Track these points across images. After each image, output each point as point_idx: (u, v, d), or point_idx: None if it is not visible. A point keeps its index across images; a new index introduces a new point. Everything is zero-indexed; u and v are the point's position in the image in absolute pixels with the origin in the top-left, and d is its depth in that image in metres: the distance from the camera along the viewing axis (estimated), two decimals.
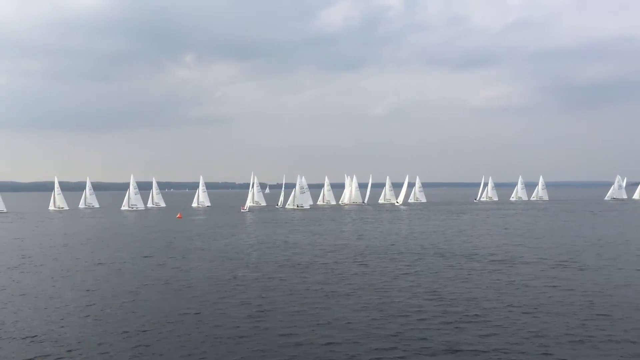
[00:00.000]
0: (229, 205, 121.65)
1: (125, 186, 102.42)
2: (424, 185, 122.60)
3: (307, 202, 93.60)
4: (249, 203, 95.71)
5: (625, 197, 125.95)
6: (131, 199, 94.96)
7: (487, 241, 41.38)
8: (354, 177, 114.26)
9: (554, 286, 23.08)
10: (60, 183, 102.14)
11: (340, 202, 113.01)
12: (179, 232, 52.60)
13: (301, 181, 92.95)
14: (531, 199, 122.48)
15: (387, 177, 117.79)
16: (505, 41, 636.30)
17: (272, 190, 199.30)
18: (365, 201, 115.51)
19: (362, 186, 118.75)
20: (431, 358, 14.18)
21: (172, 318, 18.25)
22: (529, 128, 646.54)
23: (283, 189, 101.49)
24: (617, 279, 24.58)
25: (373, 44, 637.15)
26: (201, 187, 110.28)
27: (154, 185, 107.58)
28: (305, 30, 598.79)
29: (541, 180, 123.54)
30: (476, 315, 18.25)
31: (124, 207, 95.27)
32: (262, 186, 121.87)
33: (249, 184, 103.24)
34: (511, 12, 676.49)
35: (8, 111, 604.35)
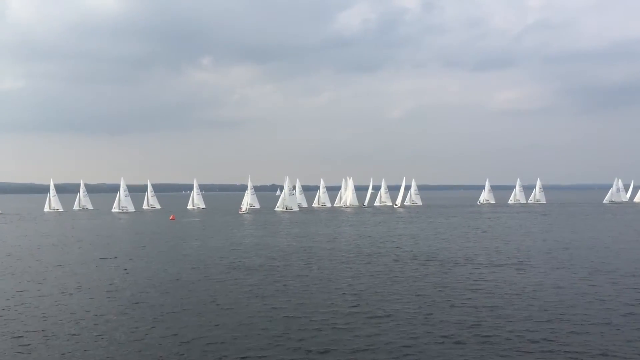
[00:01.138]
0: (225, 207, 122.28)
1: (143, 188, 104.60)
2: (441, 187, 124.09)
3: (295, 205, 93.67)
4: (246, 205, 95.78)
5: (625, 199, 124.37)
6: (121, 201, 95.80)
7: (448, 244, 41.22)
8: (350, 179, 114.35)
9: (475, 288, 23.05)
10: (77, 185, 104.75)
11: (335, 205, 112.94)
12: (159, 234, 53.08)
13: (289, 183, 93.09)
14: (528, 201, 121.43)
15: (383, 179, 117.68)
16: (524, 43, 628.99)
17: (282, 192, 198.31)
18: (365, 203, 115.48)
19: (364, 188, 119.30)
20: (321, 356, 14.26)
21: (75, 317, 18.55)
22: (547, 130, 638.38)
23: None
24: (548, 281, 24.38)
25: (390, 47, 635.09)
26: (195, 190, 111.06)
27: (149, 187, 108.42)
28: (323, 32, 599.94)
29: (538, 183, 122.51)
30: (371, 313, 18.32)
31: (115, 209, 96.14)
32: (273, 188, 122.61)
33: (264, 186, 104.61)
34: (530, 14, 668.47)
35: (27, 114, 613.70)
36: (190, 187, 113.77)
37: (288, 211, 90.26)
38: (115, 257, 35.05)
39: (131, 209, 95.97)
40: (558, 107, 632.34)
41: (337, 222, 68.93)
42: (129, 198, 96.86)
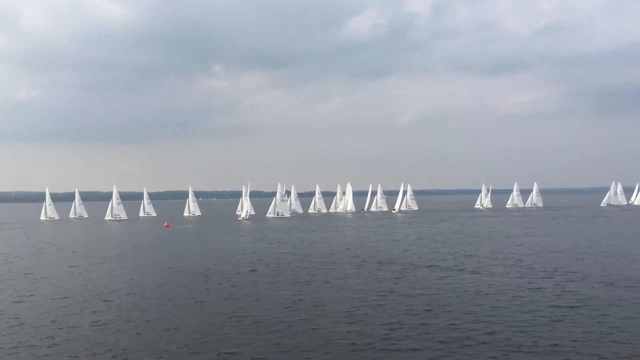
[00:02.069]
0: (221, 214, 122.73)
1: (160, 195, 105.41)
2: (451, 192, 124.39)
3: (287, 211, 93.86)
4: (246, 211, 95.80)
5: (625, 202, 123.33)
6: (114, 209, 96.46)
7: (422, 248, 41.09)
8: (348, 185, 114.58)
9: (421, 293, 23.01)
10: (91, 193, 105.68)
11: (330, 211, 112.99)
12: (142, 242, 53.38)
13: (282, 189, 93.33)
14: (525, 205, 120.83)
15: (379, 185, 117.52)
16: (536, 46, 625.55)
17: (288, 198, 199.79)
18: (365, 209, 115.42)
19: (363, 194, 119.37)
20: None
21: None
22: (560, 133, 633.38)
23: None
24: (492, 285, 24.26)
25: (401, 52, 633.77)
26: (191, 197, 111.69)
27: (145, 195, 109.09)
28: (333, 38, 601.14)
29: (535, 187, 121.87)
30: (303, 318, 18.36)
31: (107, 217, 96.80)
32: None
33: (273, 193, 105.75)
34: (542, 17, 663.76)
35: (42, 123, 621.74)
36: (217, 194, 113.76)
37: (279, 217, 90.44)
38: (86, 265, 35.28)
39: (124, 216, 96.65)
40: (571, 110, 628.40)
41: (325, 228, 68.90)
42: (121, 206, 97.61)
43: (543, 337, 16.14)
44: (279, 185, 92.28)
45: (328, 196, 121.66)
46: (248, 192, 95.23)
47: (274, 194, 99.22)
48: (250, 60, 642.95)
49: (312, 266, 32.58)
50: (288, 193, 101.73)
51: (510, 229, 61.25)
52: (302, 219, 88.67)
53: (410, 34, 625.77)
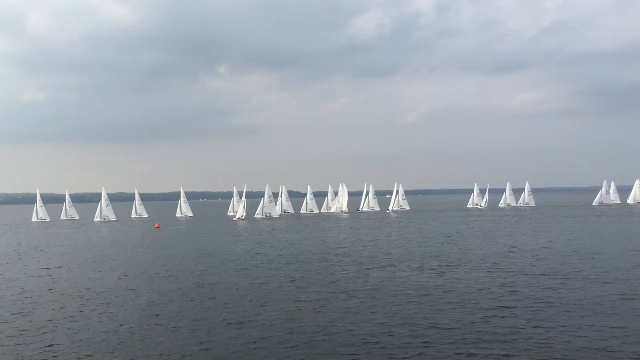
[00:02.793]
0: (213, 215, 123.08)
1: (163, 196, 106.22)
2: (457, 191, 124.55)
3: (275, 211, 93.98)
4: (241, 212, 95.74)
5: (618, 201, 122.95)
6: (103, 210, 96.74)
7: (395, 248, 41.20)
8: (341, 185, 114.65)
9: (372, 289, 23.17)
10: (97, 195, 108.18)
11: (322, 211, 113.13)
12: (122, 244, 53.53)
13: (269, 190, 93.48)
14: (518, 204, 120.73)
15: (370, 185, 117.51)
16: (540, 45, 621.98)
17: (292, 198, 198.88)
18: (360, 209, 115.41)
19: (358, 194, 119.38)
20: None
21: None
22: (565, 132, 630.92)
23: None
24: (448, 284, 24.38)
25: (405, 51, 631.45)
26: (182, 198, 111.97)
27: (136, 196, 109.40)
28: (338, 38, 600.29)
29: (527, 186, 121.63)
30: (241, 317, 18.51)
31: (97, 218, 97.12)
32: (291, 194, 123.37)
33: (280, 193, 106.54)
34: (547, 15, 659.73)
35: (49, 125, 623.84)
36: (221, 195, 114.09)
37: (268, 218, 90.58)
38: (59, 267, 35.52)
39: (113, 217, 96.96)
40: (576, 109, 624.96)
41: (310, 229, 68.98)
42: (110, 207, 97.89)
43: (445, 335, 16.30)
44: (267, 186, 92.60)
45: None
46: (244, 193, 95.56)
47: (277, 194, 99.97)
48: (255, 61, 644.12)
49: (279, 267, 32.75)
50: (275, 194, 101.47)
51: (494, 228, 61.22)
52: (290, 220, 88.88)
53: (414, 33, 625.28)
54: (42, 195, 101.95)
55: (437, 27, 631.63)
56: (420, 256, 36.04)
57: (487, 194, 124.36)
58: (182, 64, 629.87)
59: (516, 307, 20.03)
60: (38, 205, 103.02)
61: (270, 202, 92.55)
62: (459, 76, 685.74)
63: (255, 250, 43.13)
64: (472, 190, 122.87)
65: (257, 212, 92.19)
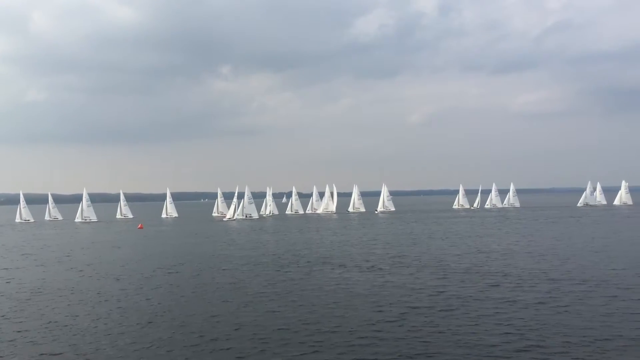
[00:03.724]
0: (198, 215, 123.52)
1: (163, 197, 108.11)
2: (457, 192, 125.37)
3: (255, 212, 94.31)
4: (231, 212, 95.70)
5: (604, 202, 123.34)
6: (84, 211, 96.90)
7: (357, 249, 41.48)
8: (326, 185, 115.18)
9: (317, 286, 23.49)
10: (101, 195, 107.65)
11: (307, 212, 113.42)
12: (98, 243, 53.78)
13: (249, 192, 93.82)
14: (503, 205, 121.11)
15: (355, 185, 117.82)
16: (544, 45, 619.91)
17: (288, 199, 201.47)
18: (350, 209, 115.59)
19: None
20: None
21: None
22: (569, 133, 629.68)
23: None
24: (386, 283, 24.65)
25: (408, 52, 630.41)
26: (168, 199, 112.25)
27: (121, 197, 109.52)
28: (341, 39, 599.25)
29: (512, 187, 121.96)
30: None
31: (78, 219, 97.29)
32: (279, 195, 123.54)
33: (282, 194, 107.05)
34: (551, 15, 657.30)
35: (50, 125, 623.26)
36: (207, 196, 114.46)
37: (248, 219, 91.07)
38: (17, 268, 35.72)
39: (94, 218, 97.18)
40: (581, 109, 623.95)
41: (284, 229, 69.24)
42: (91, 208, 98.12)
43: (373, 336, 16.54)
44: (246, 187, 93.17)
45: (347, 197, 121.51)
46: (236, 194, 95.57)
47: (281, 195, 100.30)
48: (258, 62, 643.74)
49: (235, 268, 32.98)
50: (250, 195, 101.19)
51: (469, 229, 61.45)
52: (271, 221, 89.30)
53: (417, 33, 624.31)
54: (44, 196, 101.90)
55: (440, 28, 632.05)
56: (377, 257, 36.24)
57: (479, 194, 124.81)
58: (185, 64, 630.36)
59: (432, 307, 20.27)
60: (22, 205, 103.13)
61: (250, 203, 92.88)
62: (462, 77, 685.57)
63: (218, 251, 43.35)
64: (474, 191, 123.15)
65: (237, 212, 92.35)
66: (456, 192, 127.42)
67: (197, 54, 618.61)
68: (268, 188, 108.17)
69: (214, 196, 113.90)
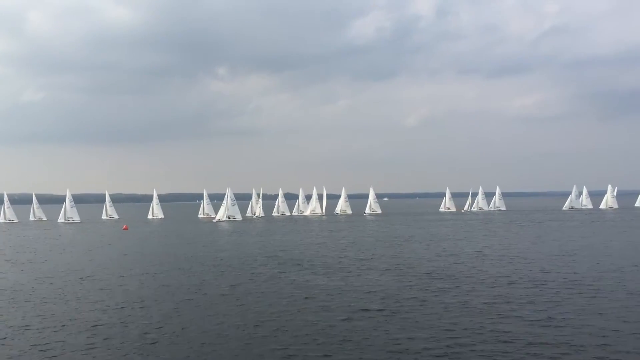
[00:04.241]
0: (183, 216, 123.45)
1: (162, 198, 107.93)
2: (454, 195, 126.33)
3: (238, 214, 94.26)
4: (222, 214, 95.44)
5: (590, 206, 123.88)
6: (67, 212, 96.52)
7: (326, 251, 41.55)
8: (314, 187, 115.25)
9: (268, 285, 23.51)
10: (95, 196, 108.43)
11: (293, 214, 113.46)
12: (73, 245, 53.64)
13: (231, 194, 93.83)
14: (489, 208, 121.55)
15: (343, 188, 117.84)
16: (540, 49, 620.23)
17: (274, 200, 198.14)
18: (337, 211, 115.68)
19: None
20: None
21: None
22: (565, 136, 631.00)
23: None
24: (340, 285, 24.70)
25: (405, 54, 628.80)
26: (155, 200, 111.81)
27: (107, 198, 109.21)
28: (338, 41, 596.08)
29: (498, 191, 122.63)
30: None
31: (60, 219, 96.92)
32: (269, 197, 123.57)
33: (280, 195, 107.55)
34: (547, 19, 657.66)
35: (48, 126, 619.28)
36: (202, 197, 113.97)
37: (231, 220, 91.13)
38: None
39: (77, 219, 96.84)
40: (576, 113, 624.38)
41: (266, 232, 69.23)
42: (74, 209, 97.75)
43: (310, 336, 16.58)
44: (228, 189, 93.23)
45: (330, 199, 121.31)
46: (227, 195, 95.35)
47: (271, 196, 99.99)
48: (255, 63, 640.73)
49: (205, 270, 32.95)
50: (233, 196, 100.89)
51: (449, 232, 61.64)
52: (256, 222, 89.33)
53: (414, 36, 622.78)
54: (39, 196, 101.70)
55: (437, 30, 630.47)
56: (348, 260, 36.31)
57: (469, 197, 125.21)
58: (182, 65, 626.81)
59: (381, 309, 20.36)
60: (5, 206, 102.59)
61: (232, 205, 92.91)
62: (458, 80, 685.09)
63: (194, 253, 43.30)
64: (467, 194, 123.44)
65: (219, 214, 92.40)
66: (458, 194, 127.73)
67: (194, 54, 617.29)
68: (254, 189, 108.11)
69: (210, 197, 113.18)
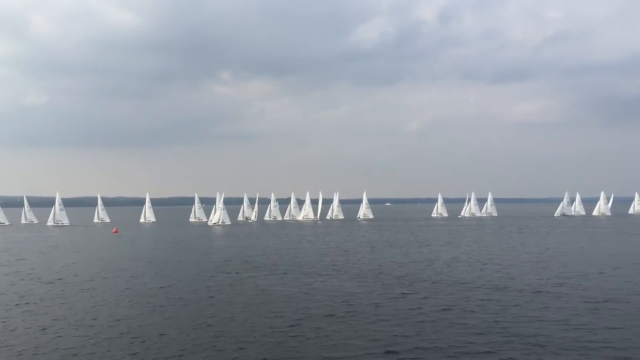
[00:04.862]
0: (175, 220, 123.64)
1: (164, 201, 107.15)
2: (454, 200, 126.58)
3: (228, 219, 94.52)
4: (218, 217, 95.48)
5: (583, 213, 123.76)
6: (56, 215, 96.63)
7: (305, 257, 41.58)
8: (307, 192, 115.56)
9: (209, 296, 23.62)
10: (103, 199, 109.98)
11: (285, 218, 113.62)
12: (57, 247, 53.70)
13: (220, 198, 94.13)
14: (481, 214, 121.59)
15: (336, 193, 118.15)
16: (543, 55, 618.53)
17: (281, 205, 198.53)
18: (332, 216, 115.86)
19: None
20: None
21: None
22: (567, 143, 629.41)
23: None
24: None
25: (408, 59, 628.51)
26: (147, 204, 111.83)
27: (99, 201, 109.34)
28: (341, 46, 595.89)
29: (490, 197, 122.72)
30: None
31: (50, 223, 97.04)
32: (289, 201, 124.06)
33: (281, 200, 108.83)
34: (550, 26, 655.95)
35: (51, 129, 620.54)
36: (205, 201, 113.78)
37: (221, 225, 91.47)
38: None
39: (66, 222, 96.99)
40: (578, 120, 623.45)
41: (253, 235, 69.26)
42: (64, 212, 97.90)
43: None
44: (218, 193, 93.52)
45: (326, 203, 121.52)
46: (222, 200, 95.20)
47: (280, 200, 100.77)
48: (258, 67, 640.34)
49: (180, 274, 33.00)
50: (227, 200, 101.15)
51: (434, 237, 61.67)
52: (241, 227, 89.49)
53: (417, 41, 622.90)
54: (43, 199, 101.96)
55: (440, 36, 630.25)
56: (322, 264, 36.27)
57: (466, 203, 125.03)
58: (185, 69, 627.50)
59: (330, 314, 20.37)
60: None
61: (221, 209, 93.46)
62: (460, 85, 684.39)
63: (176, 256, 43.38)
64: (467, 200, 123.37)
65: (210, 218, 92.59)
66: (459, 200, 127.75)
67: (197, 58, 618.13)
68: (219, 194, 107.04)
69: (211, 201, 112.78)
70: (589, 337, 16.79)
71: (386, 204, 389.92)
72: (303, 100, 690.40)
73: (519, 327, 18.15)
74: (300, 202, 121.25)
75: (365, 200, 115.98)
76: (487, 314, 20.14)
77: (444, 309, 21.03)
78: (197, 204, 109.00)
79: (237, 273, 32.56)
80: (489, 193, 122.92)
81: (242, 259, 40.44)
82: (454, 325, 18.51)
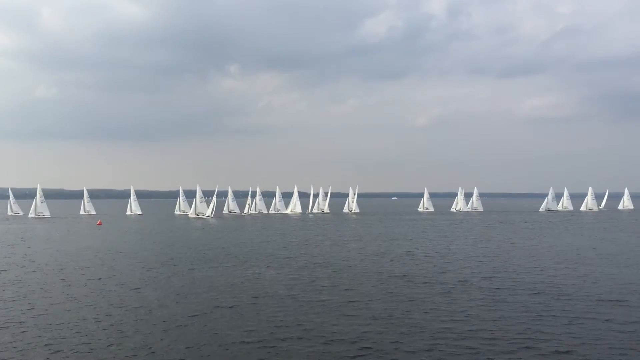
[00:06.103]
0: (162, 213, 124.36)
1: (171, 194, 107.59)
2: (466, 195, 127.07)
3: (208, 211, 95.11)
4: (210, 210, 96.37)
5: (570, 208, 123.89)
6: (38, 207, 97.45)
7: (282, 250, 42.01)
8: (295, 186, 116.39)
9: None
10: (105, 191, 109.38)
11: (270, 212, 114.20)
12: (27, 240, 54.20)
13: (200, 191, 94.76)
14: (467, 209, 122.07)
15: (321, 187, 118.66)
16: (553, 49, 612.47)
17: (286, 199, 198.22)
18: (326, 210, 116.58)
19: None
20: None
21: None
22: (576, 138, 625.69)
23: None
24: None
25: (416, 54, 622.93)
26: (132, 197, 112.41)
27: (85, 194, 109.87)
28: (349, 40, 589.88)
29: (475, 192, 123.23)
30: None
31: (31, 214, 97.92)
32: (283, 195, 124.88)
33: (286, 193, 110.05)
34: (560, 20, 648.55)
35: (60, 122, 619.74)
36: (209, 194, 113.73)
37: (200, 217, 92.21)
38: None
39: (47, 214, 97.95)
40: (588, 115, 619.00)
41: (234, 228, 69.70)
42: (45, 204, 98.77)
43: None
44: (198, 187, 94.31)
45: (336, 197, 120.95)
46: (215, 193, 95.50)
47: (285, 194, 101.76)
48: (266, 61, 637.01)
49: (150, 265, 33.40)
50: (202, 194, 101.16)
51: (406, 232, 62.06)
52: (231, 220, 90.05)
53: (425, 36, 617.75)
54: (50, 191, 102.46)
55: (448, 30, 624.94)
56: (275, 258, 36.68)
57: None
58: (193, 63, 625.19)
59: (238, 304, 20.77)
60: None
61: (201, 202, 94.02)
62: (469, 80, 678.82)
63: (149, 248, 43.78)
64: (485, 195, 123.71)
65: (190, 211, 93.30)
66: (466, 195, 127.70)
67: (206, 52, 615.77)
68: (198, 187, 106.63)
69: (219, 194, 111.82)
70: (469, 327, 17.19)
71: (393, 198, 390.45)
72: (311, 94, 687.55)
73: (414, 318, 18.55)
74: (286, 196, 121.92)
75: (352, 195, 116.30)
76: (391, 304, 20.62)
77: (351, 301, 21.46)
78: (181, 197, 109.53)
79: (208, 264, 33.35)
80: (475, 188, 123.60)
81: (218, 251, 40.92)
82: (347, 317, 18.96)
